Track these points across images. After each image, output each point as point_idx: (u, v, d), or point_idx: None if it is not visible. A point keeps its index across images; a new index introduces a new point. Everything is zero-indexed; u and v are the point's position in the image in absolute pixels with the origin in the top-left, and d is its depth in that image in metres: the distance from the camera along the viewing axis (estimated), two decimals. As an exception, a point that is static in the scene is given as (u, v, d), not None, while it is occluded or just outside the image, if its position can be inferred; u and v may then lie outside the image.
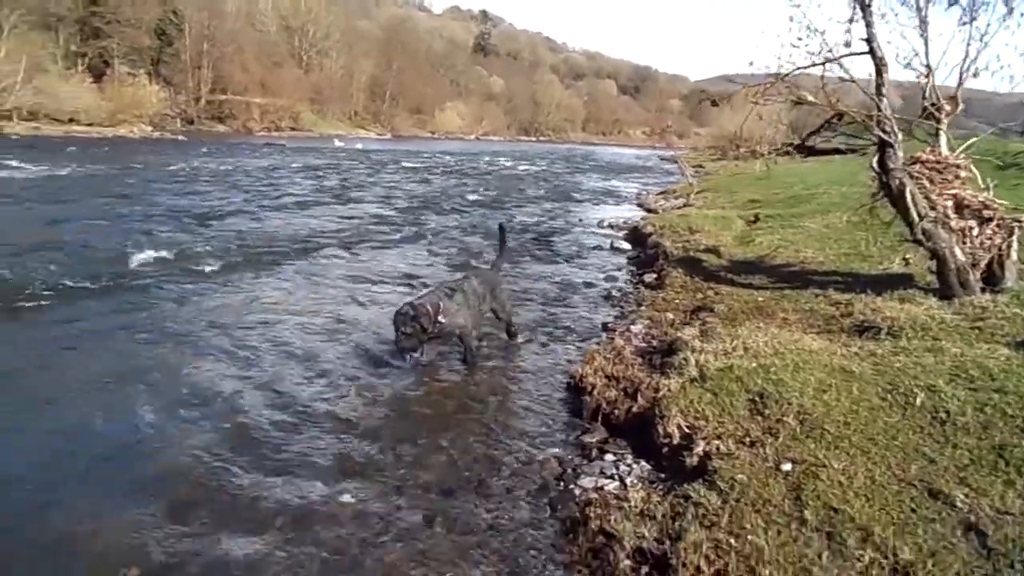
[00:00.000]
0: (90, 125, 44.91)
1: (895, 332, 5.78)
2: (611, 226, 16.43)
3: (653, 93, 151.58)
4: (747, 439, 4.15)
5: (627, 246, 13.60)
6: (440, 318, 5.84)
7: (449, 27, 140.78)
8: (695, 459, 4.15)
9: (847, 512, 3.31)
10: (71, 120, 44.08)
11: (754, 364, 4.98)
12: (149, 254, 10.02)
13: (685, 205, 18.93)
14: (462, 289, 6.31)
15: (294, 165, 28.93)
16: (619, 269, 11.54)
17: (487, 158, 47.16)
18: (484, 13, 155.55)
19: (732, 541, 3.27)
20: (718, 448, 4.10)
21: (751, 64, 10.10)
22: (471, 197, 21.93)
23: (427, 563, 3.52)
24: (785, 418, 4.23)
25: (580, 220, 17.89)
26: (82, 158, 25.52)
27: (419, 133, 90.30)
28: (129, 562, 3.29)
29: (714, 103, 10.92)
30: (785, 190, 18.84)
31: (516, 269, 11.01)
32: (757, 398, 4.50)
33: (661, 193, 25.38)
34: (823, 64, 8.39)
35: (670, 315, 7.93)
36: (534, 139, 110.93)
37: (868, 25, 7.86)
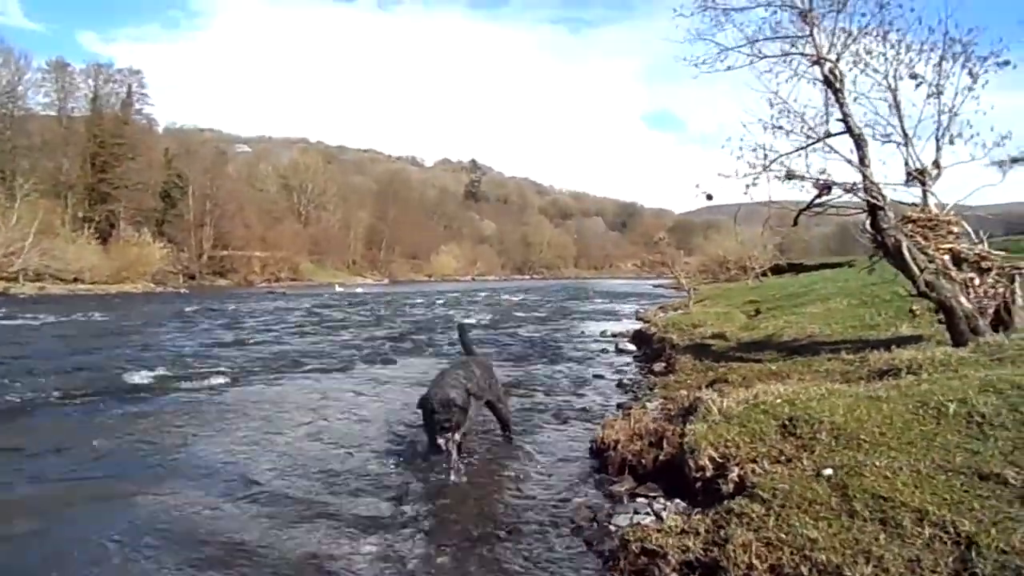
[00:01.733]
0: (94, 283, 45.76)
1: (915, 370, 5.73)
2: (614, 335, 16.48)
3: (640, 227, 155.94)
4: (782, 458, 4.05)
5: (632, 347, 13.61)
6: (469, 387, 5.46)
7: (440, 177, 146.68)
8: (730, 485, 4.02)
9: (897, 499, 3.20)
10: (76, 280, 44.94)
11: (779, 400, 4.91)
12: (157, 372, 10.04)
13: (686, 309, 19.05)
14: (472, 370, 5.90)
15: (296, 307, 29.28)
16: (627, 365, 11.50)
17: (483, 293, 47.86)
18: (473, 162, 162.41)
19: (783, 536, 3.13)
20: (753, 470, 3.99)
21: (709, 198, 10.41)
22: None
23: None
24: (819, 435, 4.15)
25: (582, 332, 17.97)
26: (86, 309, 25.83)
27: (415, 277, 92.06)
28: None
29: (709, 197, 11.24)
30: (781, 290, 19.15)
31: (524, 368, 11.01)
32: (787, 422, 4.41)
33: (659, 308, 25.61)
34: (805, 148, 8.81)
35: (683, 392, 7.85)
36: (528, 277, 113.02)
37: (842, 106, 8.32)
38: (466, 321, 7.23)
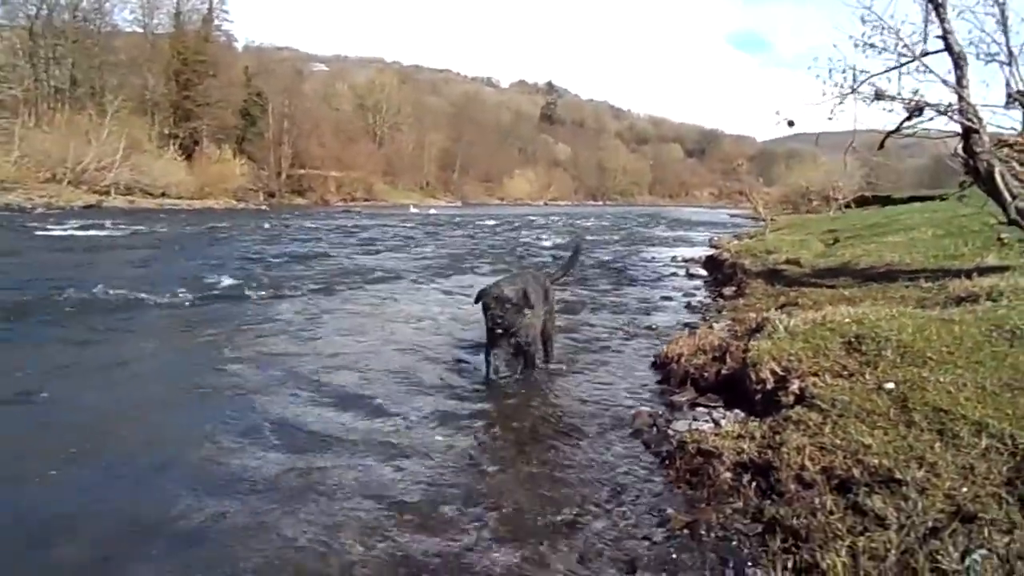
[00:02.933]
0: (179, 198, 47.45)
1: (995, 297, 5.57)
2: (685, 260, 16.35)
3: (719, 155, 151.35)
4: (844, 372, 4.07)
5: (703, 272, 13.52)
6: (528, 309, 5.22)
7: (516, 100, 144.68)
8: (790, 397, 4.08)
9: (958, 412, 3.22)
10: (163, 194, 46.68)
11: (847, 319, 4.89)
12: (241, 281, 10.55)
13: (761, 236, 18.67)
14: (536, 279, 5.80)
15: (373, 225, 29.89)
16: (696, 289, 11.45)
17: (556, 217, 47.77)
18: (550, 84, 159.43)
19: (837, 442, 3.21)
20: (814, 383, 4.03)
21: (790, 125, 10.02)
22: (545, 244, 22.21)
23: (526, 488, 3.53)
24: (884, 352, 4.15)
25: (654, 258, 17.88)
26: (173, 222, 27.03)
27: (488, 200, 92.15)
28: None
29: (790, 124, 10.86)
30: (862, 221, 18.47)
31: (594, 288, 11.13)
32: (853, 339, 4.41)
33: (734, 237, 25.12)
34: (898, 67, 8.38)
35: (751, 314, 7.82)
36: (601, 203, 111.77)
37: (943, 22, 7.85)
38: (584, 240, 6.95)
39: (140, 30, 60.66)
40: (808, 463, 3.13)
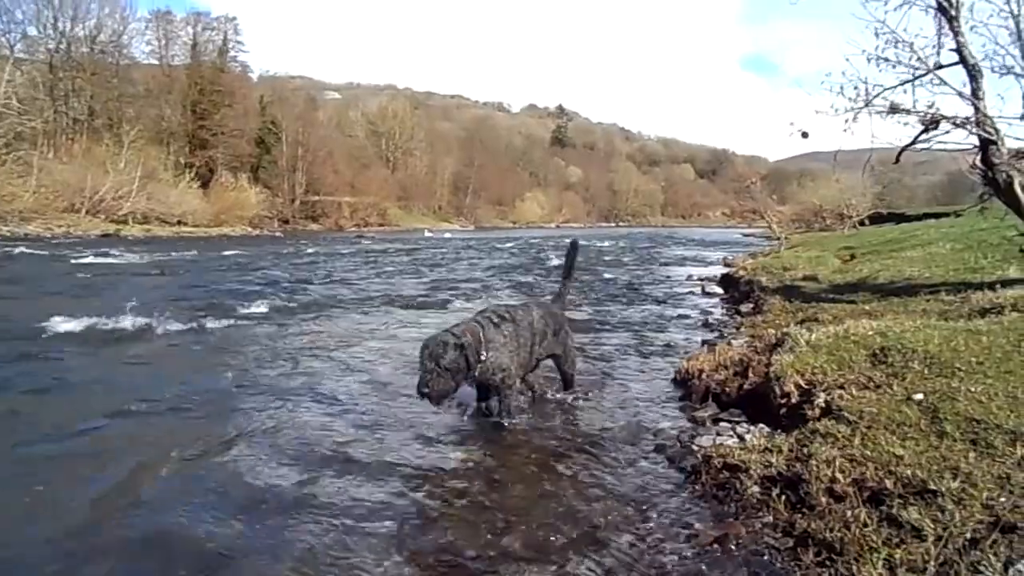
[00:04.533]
0: (196, 226, 48.02)
1: (1020, 308, 5.49)
2: (700, 279, 16.26)
3: (731, 175, 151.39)
4: (871, 384, 4.00)
5: (719, 290, 13.43)
6: (482, 353, 4.42)
7: (527, 123, 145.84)
8: (816, 410, 4.01)
9: (990, 421, 3.15)
10: (179, 223, 47.25)
11: (871, 332, 4.83)
12: (256, 303, 10.61)
13: (776, 254, 18.57)
14: (514, 319, 4.74)
15: (388, 250, 30.02)
16: (713, 307, 11.37)
17: (568, 239, 47.77)
18: (560, 108, 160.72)
19: (867, 453, 3.15)
20: (840, 395, 3.96)
21: (805, 136, 10.00)
22: (556, 263, 22.20)
23: (550, 504, 3.48)
24: (911, 364, 4.08)
25: (668, 277, 17.80)
26: (191, 248, 27.31)
27: (500, 223, 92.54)
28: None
29: (804, 135, 10.82)
30: (878, 237, 18.34)
31: (610, 307, 11.09)
32: (878, 351, 4.35)
33: (748, 255, 25.01)
34: (912, 81, 8.36)
35: (770, 330, 7.74)
36: (613, 224, 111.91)
37: (956, 35, 7.83)
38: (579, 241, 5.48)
39: (156, 62, 61.98)
40: (839, 475, 3.06)
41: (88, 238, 33.46)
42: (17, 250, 22.67)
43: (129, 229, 41.40)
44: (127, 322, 8.51)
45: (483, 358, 4.40)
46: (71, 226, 37.82)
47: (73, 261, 19.56)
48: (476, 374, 4.43)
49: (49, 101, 48.88)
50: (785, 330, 6.26)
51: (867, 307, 7.60)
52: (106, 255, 21.67)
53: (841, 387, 4.08)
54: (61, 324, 8.16)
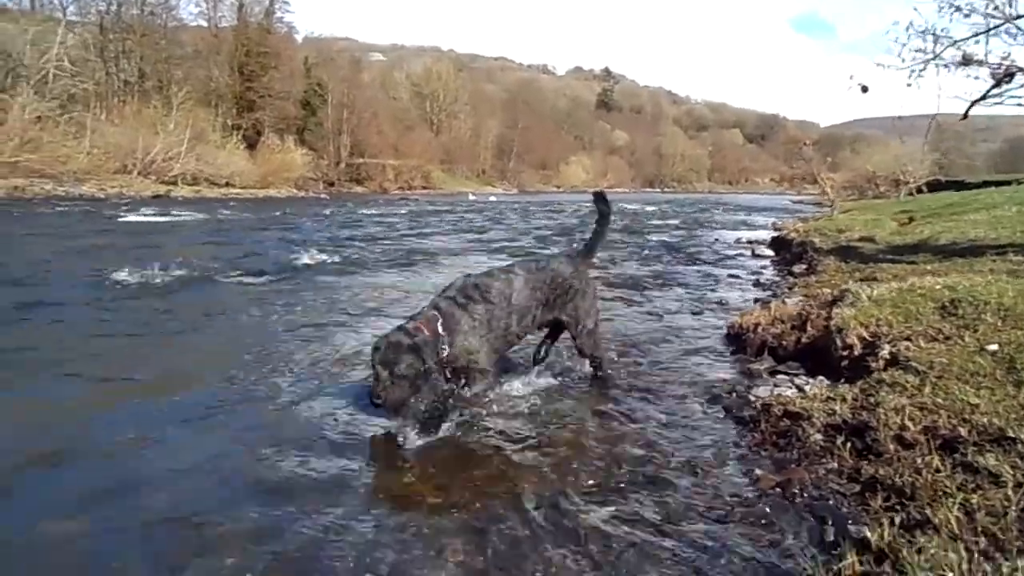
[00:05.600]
0: (243, 188, 48.63)
1: (1097, 265, 5.24)
2: (750, 241, 15.96)
3: (781, 140, 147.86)
4: (940, 336, 3.87)
5: (769, 252, 13.16)
6: (443, 343, 3.74)
7: (572, 86, 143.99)
8: (881, 362, 3.89)
9: (1072, 371, 3.00)
10: (227, 184, 47.89)
11: (938, 286, 4.66)
12: (301, 260, 10.73)
13: (829, 217, 18.10)
14: (485, 297, 3.98)
15: (432, 212, 30.10)
16: (763, 268, 11.15)
17: (615, 204, 47.30)
18: (607, 71, 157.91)
19: (939, 402, 3.04)
20: (907, 347, 3.84)
21: (864, 91, 9.63)
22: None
23: (608, 446, 3.45)
24: (983, 316, 3.93)
25: (716, 240, 17.50)
26: (239, 209, 27.73)
27: (544, 187, 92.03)
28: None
29: (864, 89, 10.45)
30: (937, 202, 17.71)
31: (659, 267, 10.96)
32: (947, 304, 4.20)
33: (799, 221, 24.45)
34: (987, 32, 7.99)
35: (826, 289, 7.55)
36: (659, 190, 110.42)
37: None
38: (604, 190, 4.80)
39: (204, 23, 62.38)
40: (908, 423, 2.97)
41: (140, 198, 34.13)
42: (74, 209, 23.26)
43: (179, 190, 42.11)
44: (180, 275, 8.71)
45: (445, 349, 3.72)
46: (123, 187, 38.61)
47: (127, 219, 20.02)
48: (442, 366, 3.78)
49: (100, 63, 49.69)
50: (844, 286, 6.10)
51: (929, 267, 7.35)
52: (158, 214, 22.12)
53: (908, 339, 3.95)
54: (119, 276, 8.36)
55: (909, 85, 8.82)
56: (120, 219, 19.99)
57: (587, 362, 4.61)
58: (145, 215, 21.52)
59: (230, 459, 3.24)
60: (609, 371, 4.65)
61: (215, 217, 22.59)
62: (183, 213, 23.48)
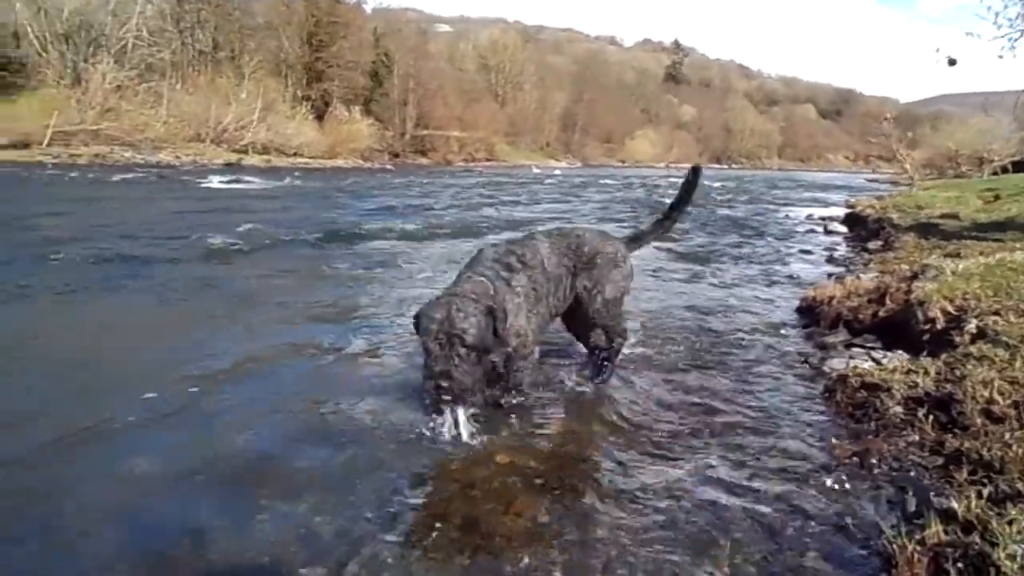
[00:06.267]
0: (311, 158, 49.44)
1: None
2: (822, 218, 15.47)
3: (856, 116, 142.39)
4: (1033, 311, 3.68)
5: (843, 229, 12.74)
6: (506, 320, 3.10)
7: (640, 58, 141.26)
8: (966, 336, 3.73)
9: None
10: (296, 154, 48.75)
11: (1029, 260, 4.44)
12: (366, 227, 10.89)
13: (908, 194, 17.42)
14: (525, 263, 3.39)
15: (497, 184, 30.09)
16: (837, 244, 10.80)
17: (676, 179, 46.45)
18: (676, 43, 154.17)
19: (1032, 376, 2.89)
20: (995, 321, 3.67)
21: (952, 64, 9.15)
22: (665, 200, 21.65)
23: (677, 409, 3.41)
24: (1081, 291, 3.72)
25: (787, 216, 17.04)
26: (308, 178, 28.30)
27: (608, 161, 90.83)
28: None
29: (952, 62, 9.96)
30: (1026, 180, 16.85)
31: (726, 240, 10.76)
32: (1041, 277, 3.99)
33: (875, 198, 23.59)
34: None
35: (904, 266, 7.27)
36: (726, 166, 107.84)
37: None
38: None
39: (276, -7, 63.15)
40: (997, 396, 2.85)
41: (213, 166, 35.00)
42: (152, 176, 24.06)
43: (250, 159, 43.03)
44: (257, 239, 8.96)
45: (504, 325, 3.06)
46: (197, 155, 39.68)
47: (202, 186, 20.63)
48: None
49: (176, 33, 50.92)
50: (926, 261, 5.88)
51: (1018, 244, 6.99)
52: (232, 182, 22.70)
53: (996, 313, 3.79)
54: (201, 240, 8.65)
55: (1001, 57, 8.40)
56: (196, 186, 20.61)
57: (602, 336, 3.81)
58: (219, 183, 22.11)
59: (318, 403, 3.34)
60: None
61: (286, 185, 23.06)
62: (255, 181, 24.01)
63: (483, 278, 3.16)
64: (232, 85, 48.27)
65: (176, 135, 41.52)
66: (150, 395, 3.38)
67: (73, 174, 22.07)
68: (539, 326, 3.40)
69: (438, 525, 2.33)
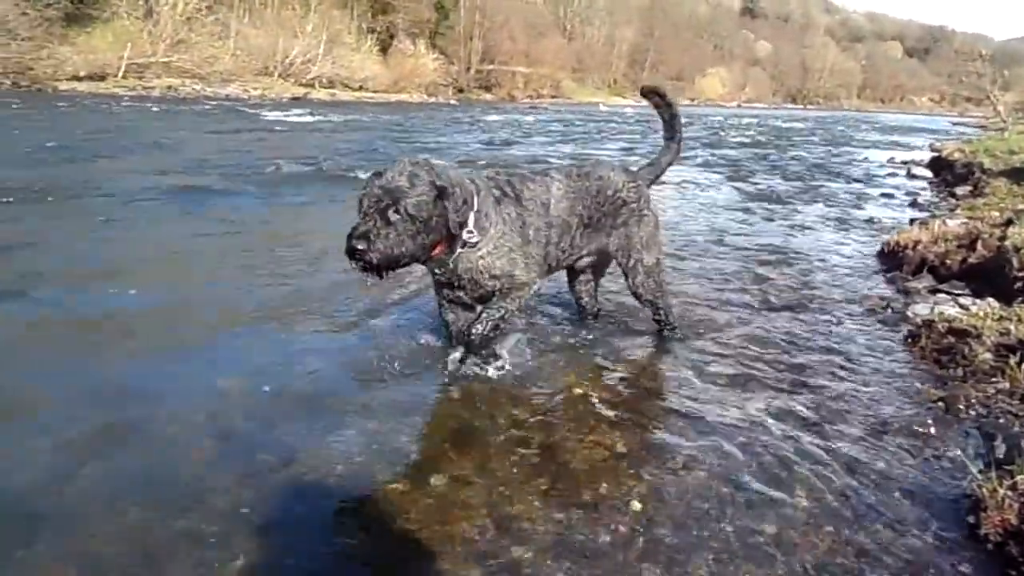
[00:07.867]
0: (376, 92, 49.47)
1: None
2: (904, 162, 14.80)
3: (946, 55, 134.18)
4: None
5: (927, 173, 12.18)
6: (467, 233, 2.72)
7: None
8: (1065, 284, 3.56)
9: None
10: (360, 88, 48.86)
11: None
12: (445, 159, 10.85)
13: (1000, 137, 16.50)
14: (519, 196, 2.97)
15: (566, 120, 29.65)
16: (921, 189, 10.36)
17: (748, 119, 44.92)
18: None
19: None
20: (1099, 270, 3.49)
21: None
22: (734, 140, 21.05)
23: (754, 349, 3.36)
24: None
25: (867, 159, 16.36)
26: (374, 112, 28.34)
27: (678, 101, 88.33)
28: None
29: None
30: None
31: (803, 183, 10.42)
32: None
33: (962, 142, 22.40)
34: None
35: (995, 212, 6.93)
36: (801, 106, 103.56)
37: None
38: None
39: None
40: (1100, 346, 2.73)
41: (280, 100, 35.38)
42: (222, 109, 24.47)
43: (316, 92, 43.33)
44: (327, 168, 9.12)
45: (470, 239, 2.73)
46: (265, 88, 40.11)
47: (271, 118, 20.90)
48: (451, 263, 2.78)
49: (245, -36, 51.09)
50: (1021, 207, 5.61)
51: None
52: (301, 115, 22.93)
53: (1100, 261, 3.59)
54: (279, 168, 8.85)
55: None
56: (264, 118, 20.87)
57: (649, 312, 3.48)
58: (289, 115, 22.36)
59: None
60: (678, 334, 3.52)
61: (353, 119, 23.17)
62: (322, 114, 24.21)
63: (470, 179, 2.80)
64: (298, 17, 48.31)
65: (244, 68, 41.98)
66: (228, 319, 3.51)
67: (149, 105, 22.63)
68: (527, 267, 2.92)
69: (518, 450, 2.38)
